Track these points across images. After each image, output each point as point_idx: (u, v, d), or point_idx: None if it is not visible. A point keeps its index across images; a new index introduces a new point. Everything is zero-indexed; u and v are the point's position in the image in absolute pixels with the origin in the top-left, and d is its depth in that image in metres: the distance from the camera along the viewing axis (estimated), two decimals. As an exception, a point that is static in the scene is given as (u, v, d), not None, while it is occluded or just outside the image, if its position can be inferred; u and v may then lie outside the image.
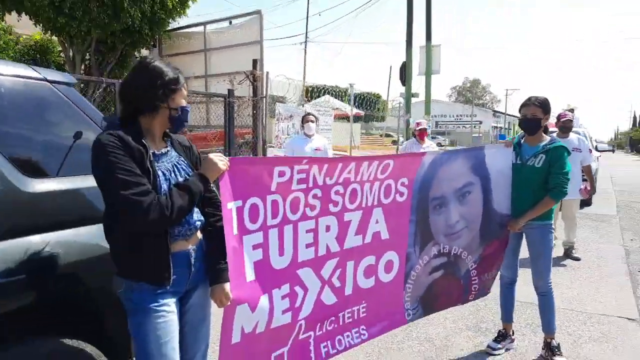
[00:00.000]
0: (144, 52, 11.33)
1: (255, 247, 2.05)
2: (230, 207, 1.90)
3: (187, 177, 1.80)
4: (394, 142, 24.71)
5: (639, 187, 13.94)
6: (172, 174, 1.79)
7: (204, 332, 1.98)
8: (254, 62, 9.00)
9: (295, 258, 2.24)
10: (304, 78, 20.08)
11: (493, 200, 3.07)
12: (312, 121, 5.94)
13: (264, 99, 9.10)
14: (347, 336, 2.56)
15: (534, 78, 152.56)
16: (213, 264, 1.91)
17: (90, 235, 1.89)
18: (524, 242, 3.24)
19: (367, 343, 3.39)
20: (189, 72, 9.15)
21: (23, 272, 1.69)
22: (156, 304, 1.73)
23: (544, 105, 3.07)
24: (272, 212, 2.11)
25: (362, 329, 2.63)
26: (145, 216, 1.58)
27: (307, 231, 2.29)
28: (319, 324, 2.40)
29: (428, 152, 2.95)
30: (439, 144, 28.90)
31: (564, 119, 5.50)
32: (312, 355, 2.39)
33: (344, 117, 19.35)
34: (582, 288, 4.64)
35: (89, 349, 1.87)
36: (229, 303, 1.90)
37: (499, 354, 3.24)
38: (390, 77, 32.83)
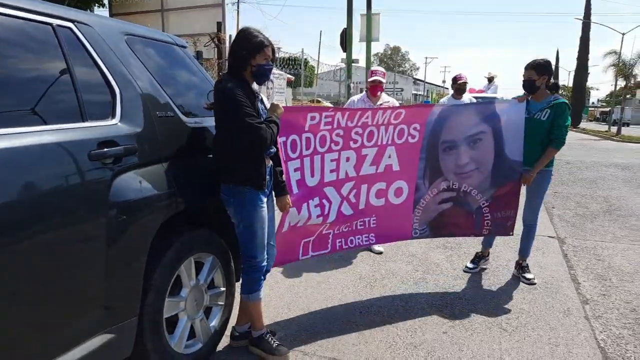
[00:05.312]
0: (96, 9, 11.08)
1: (295, 169, 2.97)
2: (280, 140, 2.76)
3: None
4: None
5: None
6: (263, 112, 2.53)
7: (274, 221, 2.77)
8: (219, 24, 9.36)
9: (322, 179, 3.15)
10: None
11: (505, 147, 3.52)
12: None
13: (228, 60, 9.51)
14: (358, 238, 3.46)
15: (455, 46, 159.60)
16: (277, 181, 2.71)
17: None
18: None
19: (368, 256, 4.41)
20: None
21: (197, 180, 2.41)
22: (260, 202, 2.48)
23: (537, 67, 3.51)
24: (306, 145, 3.01)
25: (371, 236, 3.51)
26: (263, 137, 2.29)
27: (332, 160, 3.19)
28: (338, 226, 3.31)
29: (437, 104, 3.68)
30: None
31: (460, 81, 5.59)
32: (329, 245, 3.33)
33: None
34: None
35: (221, 241, 2.62)
36: (289, 208, 2.79)
37: (475, 272, 4.05)
38: (320, 42, 33.51)
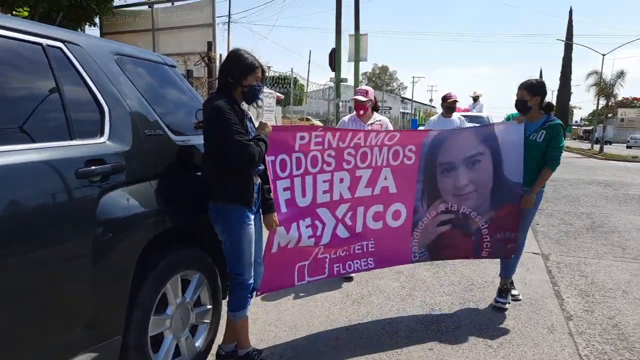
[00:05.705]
0: (87, 28, 11.12)
1: (285, 189, 2.93)
2: (268, 159, 2.75)
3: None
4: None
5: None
6: (251, 130, 2.58)
7: (262, 238, 2.79)
8: (209, 44, 9.45)
9: (315, 199, 3.10)
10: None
11: (504, 169, 3.48)
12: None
13: (218, 80, 9.59)
14: (356, 263, 3.39)
15: (441, 65, 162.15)
16: (265, 199, 2.71)
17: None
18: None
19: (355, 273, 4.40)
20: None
21: (184, 198, 2.42)
22: (247, 220, 2.51)
23: (529, 88, 3.49)
24: (297, 165, 2.98)
25: (370, 260, 3.43)
26: (252, 155, 2.35)
27: (324, 181, 3.14)
28: (334, 250, 3.25)
29: (427, 122, 3.62)
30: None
31: (449, 100, 5.35)
32: (326, 270, 3.26)
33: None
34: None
35: (208, 258, 2.63)
36: (275, 227, 2.76)
37: (507, 307, 3.68)
38: (309, 61, 33.93)
